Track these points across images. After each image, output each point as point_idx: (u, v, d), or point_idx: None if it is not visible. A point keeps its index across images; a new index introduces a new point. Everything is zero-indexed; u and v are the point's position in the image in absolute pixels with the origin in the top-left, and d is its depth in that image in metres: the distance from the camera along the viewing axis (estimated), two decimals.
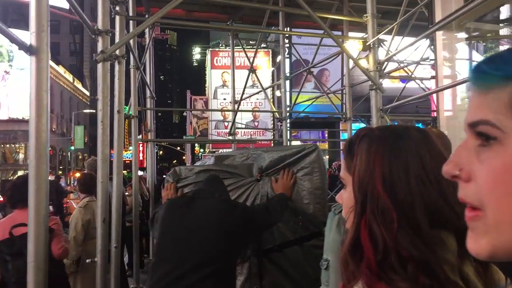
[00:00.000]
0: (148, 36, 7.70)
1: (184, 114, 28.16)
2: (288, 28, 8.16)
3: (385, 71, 4.88)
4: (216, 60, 31.02)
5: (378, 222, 0.72)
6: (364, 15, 4.19)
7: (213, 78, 30.81)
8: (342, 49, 4.08)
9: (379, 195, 0.74)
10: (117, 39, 3.92)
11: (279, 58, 24.64)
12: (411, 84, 8.65)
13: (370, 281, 0.70)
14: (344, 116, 7.31)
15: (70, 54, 46.40)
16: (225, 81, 30.30)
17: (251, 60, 7.73)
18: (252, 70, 7.62)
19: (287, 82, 7.66)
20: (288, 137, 7.28)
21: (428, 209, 0.72)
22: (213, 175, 2.57)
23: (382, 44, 5.05)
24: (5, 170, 32.12)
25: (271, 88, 18.95)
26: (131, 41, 5.72)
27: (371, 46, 4.11)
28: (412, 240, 0.69)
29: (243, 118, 19.49)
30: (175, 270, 2.05)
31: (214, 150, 29.30)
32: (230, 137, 8.06)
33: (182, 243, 2.14)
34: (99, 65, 3.24)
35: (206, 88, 32.94)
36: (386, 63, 4.26)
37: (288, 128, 7.14)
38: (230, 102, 8.72)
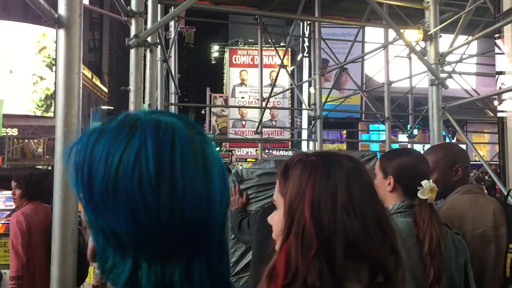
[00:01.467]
0: (174, 29, 7.35)
1: (202, 112, 27.98)
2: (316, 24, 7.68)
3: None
4: (235, 58, 30.69)
5: (298, 247, 0.76)
6: (425, 1, 3.71)
7: (231, 76, 30.53)
8: (403, 40, 3.61)
9: (305, 221, 0.77)
10: (149, 24, 3.52)
11: (299, 57, 24.17)
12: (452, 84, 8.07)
13: None
14: (382, 116, 6.78)
15: (89, 51, 46.74)
16: (244, 80, 29.97)
17: (281, 57, 7.33)
18: (282, 65, 7.21)
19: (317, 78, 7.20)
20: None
21: (349, 239, 0.75)
22: None
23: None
24: (24, 165, 32.27)
25: (293, 86, 18.55)
26: (159, 32, 5.33)
27: (433, 36, 3.63)
28: (321, 270, 0.73)
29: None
30: None
31: (231, 148, 28.98)
32: (257, 136, 7.72)
33: None
34: (132, 52, 2.85)
35: (224, 87, 32.75)
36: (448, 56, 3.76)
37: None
38: (257, 100, 8.35)
